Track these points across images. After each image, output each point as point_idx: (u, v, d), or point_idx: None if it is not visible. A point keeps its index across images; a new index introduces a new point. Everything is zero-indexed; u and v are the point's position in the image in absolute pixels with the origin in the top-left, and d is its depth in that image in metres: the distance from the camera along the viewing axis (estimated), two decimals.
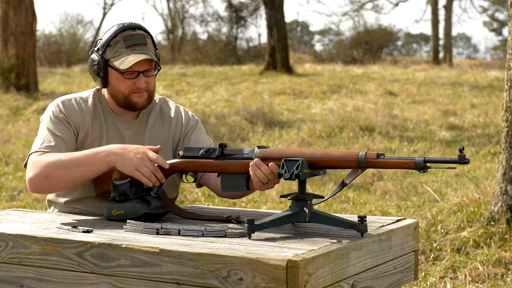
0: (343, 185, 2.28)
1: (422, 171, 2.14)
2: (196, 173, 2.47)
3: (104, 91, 2.68)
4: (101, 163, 2.42)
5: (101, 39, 2.59)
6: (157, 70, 2.62)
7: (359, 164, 2.20)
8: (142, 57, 2.52)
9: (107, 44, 2.56)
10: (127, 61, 2.52)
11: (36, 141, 2.59)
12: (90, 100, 2.66)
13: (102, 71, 2.57)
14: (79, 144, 2.61)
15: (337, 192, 2.28)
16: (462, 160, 2.09)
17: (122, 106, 2.62)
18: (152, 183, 2.41)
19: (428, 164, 2.14)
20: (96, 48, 2.59)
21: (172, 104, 2.76)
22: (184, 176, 2.49)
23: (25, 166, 2.57)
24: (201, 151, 2.41)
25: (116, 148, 2.43)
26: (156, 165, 2.41)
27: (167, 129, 2.70)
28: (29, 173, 2.48)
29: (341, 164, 2.22)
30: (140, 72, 2.56)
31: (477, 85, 15.44)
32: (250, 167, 2.29)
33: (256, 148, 2.35)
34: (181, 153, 2.45)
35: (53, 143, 2.54)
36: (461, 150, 2.10)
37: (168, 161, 2.44)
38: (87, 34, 33.59)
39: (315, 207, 2.27)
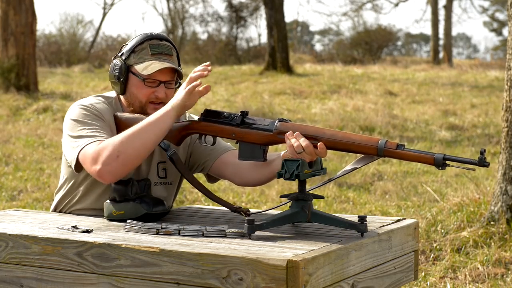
0: (355, 165, 2.25)
1: (440, 168, 2.11)
2: (215, 136, 2.44)
3: (122, 98, 2.63)
4: (168, 118, 2.38)
5: (126, 45, 2.58)
6: (178, 83, 2.60)
7: (378, 152, 2.19)
8: (166, 65, 2.51)
9: (132, 50, 2.55)
10: (150, 67, 2.51)
11: (78, 136, 2.44)
12: (112, 104, 2.61)
13: (123, 76, 2.54)
14: None
15: (346, 173, 2.26)
16: (482, 162, 2.06)
17: None
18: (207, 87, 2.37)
19: (447, 162, 2.11)
20: (119, 54, 2.58)
21: None
22: (203, 137, 2.47)
23: (76, 168, 2.46)
24: (222, 116, 2.40)
25: (171, 103, 2.38)
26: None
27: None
28: (97, 164, 2.35)
29: (360, 149, 2.21)
30: (161, 82, 2.54)
31: (477, 85, 15.44)
32: (286, 137, 2.26)
33: (277, 121, 2.33)
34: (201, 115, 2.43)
35: (101, 132, 2.45)
36: (482, 153, 2.06)
37: (188, 123, 2.43)
38: (87, 34, 33.61)
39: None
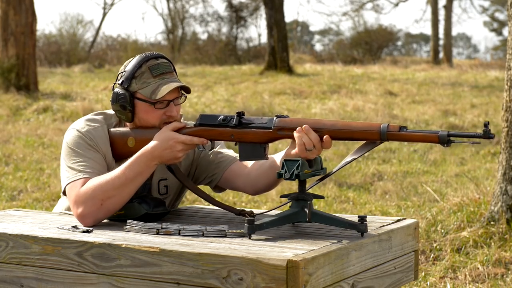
0: (356, 154, 2.24)
1: (445, 145, 2.11)
2: (214, 140, 2.43)
3: (126, 123, 2.57)
4: (150, 168, 2.38)
5: (124, 72, 2.50)
6: (184, 97, 2.56)
7: (381, 137, 2.17)
8: (175, 85, 2.46)
9: (132, 76, 2.47)
10: (158, 90, 2.44)
11: (70, 167, 2.45)
12: (113, 124, 2.57)
13: (129, 104, 2.47)
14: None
15: (348, 163, 2.25)
16: (487, 135, 2.06)
17: None
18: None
19: (452, 139, 2.11)
20: (119, 82, 2.49)
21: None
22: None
23: (64, 193, 2.48)
24: (218, 119, 2.38)
25: (152, 150, 2.37)
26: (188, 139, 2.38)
27: None
28: (80, 207, 2.36)
29: (362, 135, 2.20)
30: (170, 101, 2.49)
31: (477, 85, 15.44)
32: (296, 133, 2.24)
33: (275, 117, 2.32)
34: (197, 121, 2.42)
35: (90, 169, 2.43)
36: (486, 125, 2.07)
37: (186, 130, 2.41)
38: (87, 34, 33.52)
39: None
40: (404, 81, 16.21)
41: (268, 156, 2.41)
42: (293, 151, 2.27)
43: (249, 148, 2.35)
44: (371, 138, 2.19)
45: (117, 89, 2.50)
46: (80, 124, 2.52)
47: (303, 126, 2.24)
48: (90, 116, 2.58)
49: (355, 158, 2.25)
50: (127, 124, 2.56)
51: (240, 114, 2.36)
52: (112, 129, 2.54)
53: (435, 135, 2.12)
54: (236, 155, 2.62)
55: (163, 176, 2.60)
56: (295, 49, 29.49)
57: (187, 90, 2.54)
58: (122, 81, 2.49)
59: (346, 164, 2.27)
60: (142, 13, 76.66)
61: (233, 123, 2.35)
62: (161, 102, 2.48)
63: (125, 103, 2.47)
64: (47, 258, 2.18)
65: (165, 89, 2.45)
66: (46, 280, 2.18)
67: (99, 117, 2.57)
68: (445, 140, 2.11)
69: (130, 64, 2.50)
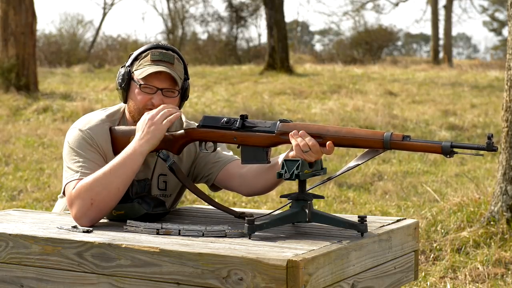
0: (359, 161, 2.24)
1: (448, 156, 2.11)
2: (216, 142, 2.43)
3: (126, 110, 2.59)
4: (137, 157, 2.36)
5: (133, 53, 2.57)
6: (178, 93, 2.54)
7: (384, 145, 2.18)
8: (160, 68, 2.46)
9: (136, 57, 2.54)
10: (146, 71, 2.47)
11: (69, 167, 2.45)
12: (116, 122, 2.57)
13: (124, 83, 2.52)
14: None
15: (351, 169, 2.25)
16: (491, 147, 2.05)
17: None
18: (176, 114, 2.39)
19: (455, 150, 2.11)
20: (126, 63, 2.56)
21: (183, 119, 2.71)
22: (204, 144, 2.44)
23: (64, 193, 2.48)
24: (221, 121, 2.37)
25: (138, 137, 2.37)
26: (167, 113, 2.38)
27: (187, 150, 2.63)
28: (73, 208, 2.36)
29: (365, 143, 2.20)
30: (158, 89, 2.49)
31: (477, 85, 15.44)
32: (291, 137, 2.24)
33: (279, 122, 2.32)
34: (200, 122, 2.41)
35: (88, 170, 2.42)
36: (489, 138, 2.06)
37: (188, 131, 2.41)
38: (87, 34, 33.53)
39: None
40: (404, 81, 16.20)
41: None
42: (291, 153, 2.28)
43: (251, 152, 2.34)
44: (374, 146, 2.20)
45: (121, 69, 2.57)
46: (82, 123, 2.53)
47: (299, 131, 2.24)
48: (92, 114, 2.58)
49: (358, 165, 2.25)
50: (129, 119, 2.57)
51: (243, 117, 2.36)
52: (115, 127, 2.54)
53: (438, 146, 2.12)
54: (233, 156, 2.63)
55: (163, 171, 2.60)
56: (295, 49, 29.48)
57: (183, 86, 2.55)
58: (128, 61, 2.56)
59: (349, 170, 2.27)
60: (142, 13, 76.70)
61: (236, 125, 2.35)
62: (150, 87, 2.49)
63: (122, 81, 2.53)
64: (47, 258, 2.18)
65: (149, 70, 2.46)
66: (46, 280, 2.18)
67: (102, 115, 2.57)
68: (448, 151, 2.11)
69: (141, 48, 2.57)
